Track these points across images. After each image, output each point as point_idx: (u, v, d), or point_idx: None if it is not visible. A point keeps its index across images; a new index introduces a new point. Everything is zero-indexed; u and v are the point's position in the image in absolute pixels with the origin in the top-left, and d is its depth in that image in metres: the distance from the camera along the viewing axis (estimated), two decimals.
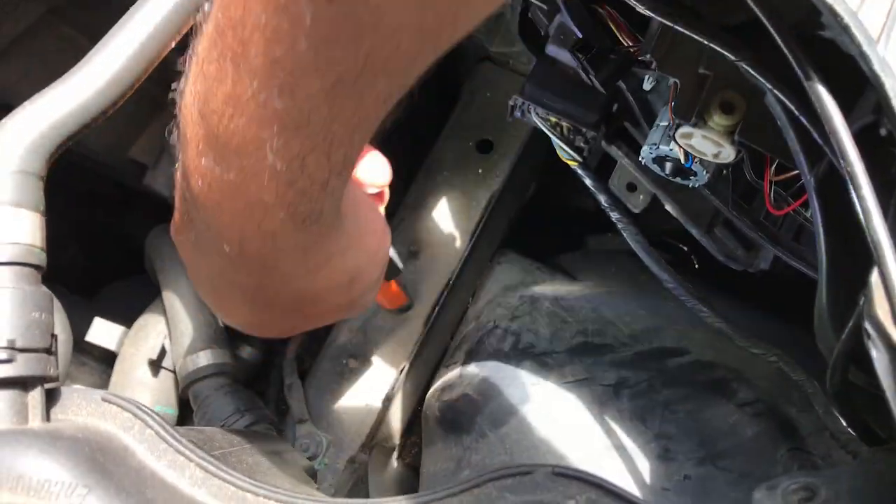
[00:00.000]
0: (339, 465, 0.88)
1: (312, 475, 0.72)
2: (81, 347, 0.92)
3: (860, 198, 0.47)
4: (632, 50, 0.68)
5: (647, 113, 0.80)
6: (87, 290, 1.08)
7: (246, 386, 0.90)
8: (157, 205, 1.01)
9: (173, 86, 0.47)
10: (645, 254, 0.80)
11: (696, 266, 1.03)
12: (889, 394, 0.41)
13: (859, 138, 0.48)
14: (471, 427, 0.79)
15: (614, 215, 0.81)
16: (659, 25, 0.62)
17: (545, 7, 0.72)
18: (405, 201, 0.95)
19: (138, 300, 0.96)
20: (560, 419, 0.75)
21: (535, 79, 0.81)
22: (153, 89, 0.91)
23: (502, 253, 0.96)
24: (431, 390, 0.89)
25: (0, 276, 0.44)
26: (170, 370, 0.89)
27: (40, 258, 0.46)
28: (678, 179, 0.74)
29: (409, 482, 0.91)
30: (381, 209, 0.68)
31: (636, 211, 0.91)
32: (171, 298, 0.88)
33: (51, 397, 0.46)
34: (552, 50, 0.74)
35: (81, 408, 0.46)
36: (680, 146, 0.67)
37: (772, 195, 0.71)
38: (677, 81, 0.64)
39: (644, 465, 0.70)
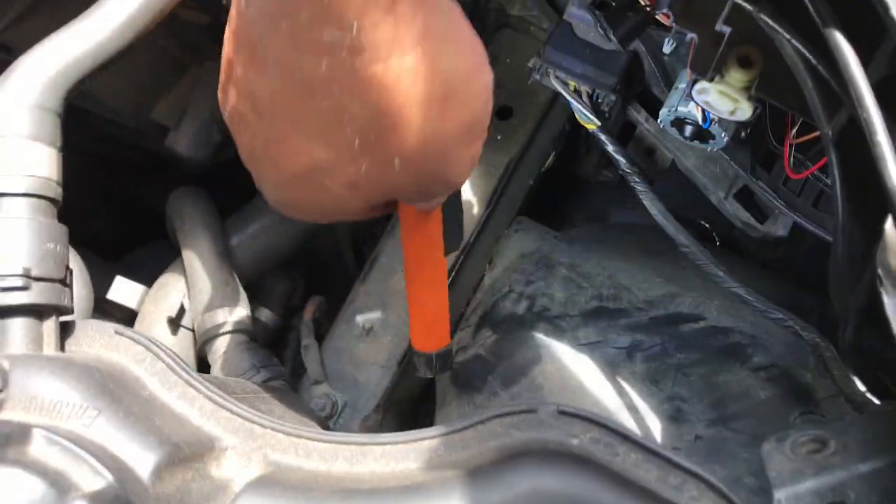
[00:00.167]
0: (354, 426, 0.89)
1: None
2: (103, 308, 0.94)
3: (875, 144, 0.47)
4: (650, 6, 0.68)
5: (667, 76, 0.80)
6: (113, 255, 1.10)
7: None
8: (180, 172, 1.03)
9: None
10: (663, 218, 0.79)
11: (717, 243, 1.03)
12: None
13: (877, 91, 0.48)
14: (483, 386, 0.79)
15: (632, 180, 0.81)
16: None
17: None
18: None
19: (161, 264, 0.97)
20: (572, 380, 0.75)
21: (554, 42, 0.80)
22: (175, 51, 0.92)
23: (520, 221, 0.96)
24: None
25: (16, 206, 0.45)
26: (189, 329, 0.90)
27: (56, 192, 0.47)
28: (697, 143, 0.73)
29: None
30: None
31: (655, 175, 0.91)
32: (190, 258, 0.89)
33: (65, 329, 0.47)
34: (572, 9, 0.74)
35: (95, 340, 0.48)
36: (697, 104, 0.66)
37: (791, 159, 0.71)
38: (695, 37, 0.63)
39: (655, 425, 0.70)
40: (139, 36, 0.51)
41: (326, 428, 0.73)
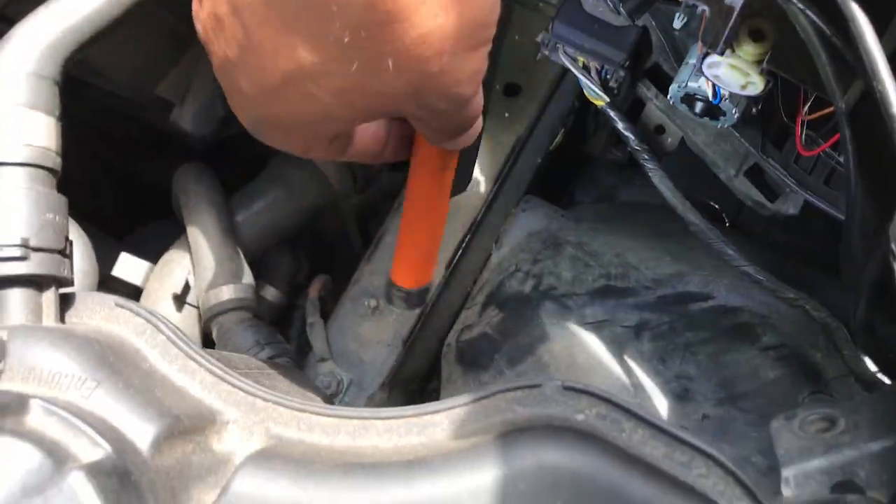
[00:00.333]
0: (360, 404, 0.89)
1: None
2: (108, 284, 0.93)
3: (891, 117, 0.46)
4: None
5: (677, 51, 0.78)
6: (118, 231, 1.10)
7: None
8: (185, 148, 1.02)
9: None
10: (672, 197, 0.78)
11: (728, 224, 1.02)
12: None
13: (892, 63, 0.47)
14: (489, 365, 0.79)
15: (642, 157, 0.80)
16: None
17: None
18: None
19: (166, 240, 0.97)
20: (578, 358, 0.75)
21: (563, 17, 0.79)
22: (177, 24, 0.91)
23: (527, 199, 0.95)
24: (452, 331, 0.89)
25: (14, 176, 0.44)
26: (194, 306, 0.89)
27: (55, 162, 0.46)
28: (707, 119, 0.72)
29: None
30: None
31: (665, 152, 0.90)
32: (195, 234, 0.89)
33: (65, 301, 0.47)
34: None
35: (95, 312, 0.47)
36: (708, 79, 0.65)
37: (803, 135, 0.69)
38: (706, 10, 0.62)
39: (662, 404, 0.69)
40: (138, 1, 0.50)
41: (331, 403, 0.73)
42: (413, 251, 0.73)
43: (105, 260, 0.90)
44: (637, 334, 0.75)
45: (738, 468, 0.43)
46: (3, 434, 0.35)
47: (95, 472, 0.34)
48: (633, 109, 0.89)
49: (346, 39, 0.40)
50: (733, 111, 0.69)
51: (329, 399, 0.80)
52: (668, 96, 0.71)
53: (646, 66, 0.81)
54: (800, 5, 0.52)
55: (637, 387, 0.71)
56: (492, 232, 0.94)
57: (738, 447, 0.65)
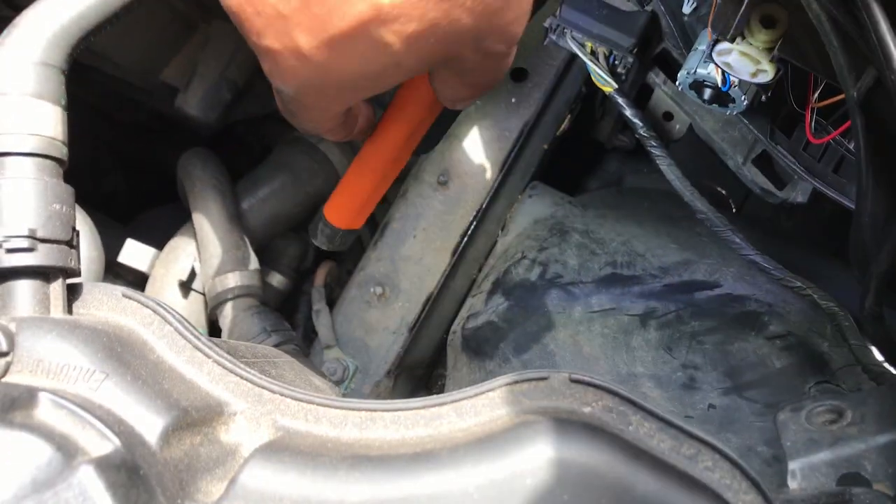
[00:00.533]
0: (365, 391, 0.89)
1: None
2: (114, 270, 0.93)
3: None
4: None
5: (686, 37, 0.78)
6: (125, 216, 1.10)
7: None
8: (190, 133, 1.02)
9: None
10: (679, 184, 0.78)
11: (734, 210, 1.01)
12: None
13: None
14: (494, 353, 0.79)
15: (649, 144, 0.80)
16: None
17: None
18: None
19: (173, 225, 0.97)
20: (584, 347, 0.74)
21: (571, 1, 0.78)
22: (183, 9, 0.91)
23: (533, 185, 0.94)
24: (457, 318, 0.88)
25: (21, 166, 0.44)
26: (199, 292, 0.90)
27: (62, 152, 0.46)
28: (716, 107, 0.72)
29: None
30: None
31: (672, 139, 0.89)
32: (201, 221, 0.89)
33: (72, 292, 0.47)
34: None
35: (102, 303, 0.47)
36: (717, 66, 0.64)
37: (813, 123, 0.69)
38: None
39: (668, 393, 0.69)
40: None
41: (338, 393, 0.73)
42: (357, 191, 0.73)
43: (111, 246, 0.90)
44: (643, 323, 0.75)
45: (744, 458, 0.43)
46: (13, 428, 0.35)
47: (105, 466, 0.34)
48: (640, 96, 0.88)
49: None
50: (742, 98, 0.69)
51: (335, 385, 0.80)
52: (677, 83, 0.71)
53: (654, 51, 0.80)
54: None
55: (644, 376, 0.71)
56: (498, 218, 0.94)
57: (744, 437, 0.65)
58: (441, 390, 0.96)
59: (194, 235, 0.90)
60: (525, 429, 0.41)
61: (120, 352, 0.42)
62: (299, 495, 0.39)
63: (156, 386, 0.42)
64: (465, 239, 0.91)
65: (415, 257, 0.92)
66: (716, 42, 0.62)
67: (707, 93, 0.71)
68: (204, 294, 0.89)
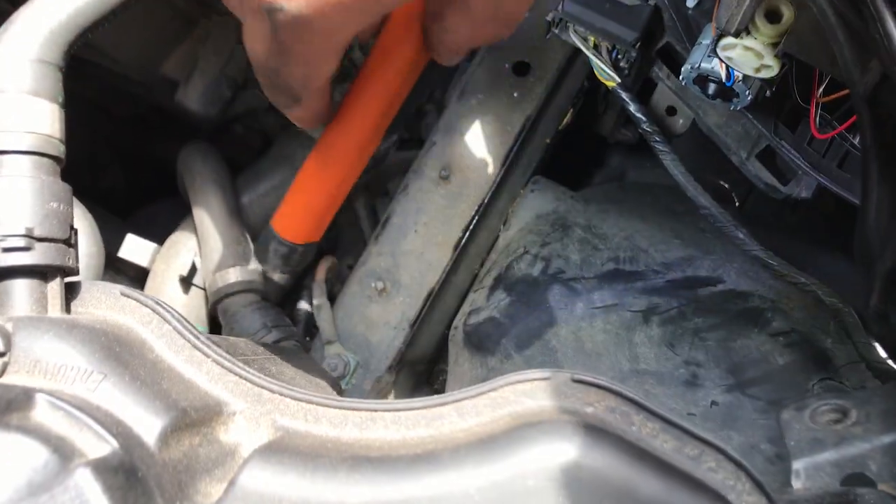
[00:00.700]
0: (366, 387, 0.89)
1: (339, 393, 0.72)
2: (115, 266, 0.93)
3: None
4: None
5: (690, 32, 0.77)
6: (125, 211, 1.10)
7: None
8: (190, 128, 1.01)
9: None
10: (683, 179, 0.77)
11: (737, 204, 1.00)
12: None
13: None
14: (496, 349, 0.78)
15: (652, 139, 0.79)
16: None
17: None
18: (438, 124, 0.94)
19: (173, 219, 0.97)
20: (586, 342, 0.74)
21: None
22: (184, 5, 0.90)
23: (536, 180, 0.94)
24: (459, 314, 0.88)
25: (18, 164, 0.44)
26: (200, 287, 0.89)
27: (59, 150, 0.46)
28: (720, 101, 0.71)
29: None
30: None
31: (676, 134, 0.88)
32: (201, 216, 0.88)
33: (70, 290, 0.47)
34: None
35: (101, 302, 0.47)
36: (721, 61, 0.64)
37: (817, 118, 0.68)
38: None
39: (671, 390, 0.69)
40: None
41: (339, 388, 0.73)
42: (318, 192, 0.61)
43: (111, 241, 0.90)
44: (646, 319, 0.74)
45: (747, 456, 0.43)
46: (9, 431, 0.34)
47: (102, 469, 0.34)
48: (644, 90, 0.87)
49: None
50: (746, 93, 0.68)
51: (336, 381, 0.80)
52: (680, 77, 0.70)
53: (658, 46, 0.80)
54: None
55: (646, 373, 0.70)
56: (500, 213, 0.93)
57: (747, 434, 0.65)
58: (442, 386, 0.96)
59: (195, 230, 0.90)
60: (527, 429, 0.41)
61: (118, 352, 0.42)
62: (299, 497, 0.38)
63: (154, 386, 0.42)
64: (467, 234, 0.91)
65: (416, 252, 0.92)
66: (720, 36, 0.61)
67: (711, 87, 0.70)
68: (205, 289, 0.89)
